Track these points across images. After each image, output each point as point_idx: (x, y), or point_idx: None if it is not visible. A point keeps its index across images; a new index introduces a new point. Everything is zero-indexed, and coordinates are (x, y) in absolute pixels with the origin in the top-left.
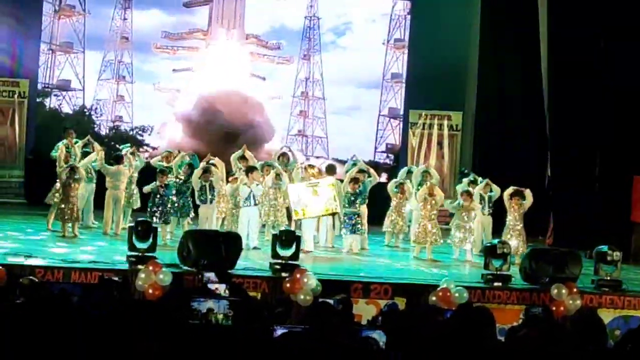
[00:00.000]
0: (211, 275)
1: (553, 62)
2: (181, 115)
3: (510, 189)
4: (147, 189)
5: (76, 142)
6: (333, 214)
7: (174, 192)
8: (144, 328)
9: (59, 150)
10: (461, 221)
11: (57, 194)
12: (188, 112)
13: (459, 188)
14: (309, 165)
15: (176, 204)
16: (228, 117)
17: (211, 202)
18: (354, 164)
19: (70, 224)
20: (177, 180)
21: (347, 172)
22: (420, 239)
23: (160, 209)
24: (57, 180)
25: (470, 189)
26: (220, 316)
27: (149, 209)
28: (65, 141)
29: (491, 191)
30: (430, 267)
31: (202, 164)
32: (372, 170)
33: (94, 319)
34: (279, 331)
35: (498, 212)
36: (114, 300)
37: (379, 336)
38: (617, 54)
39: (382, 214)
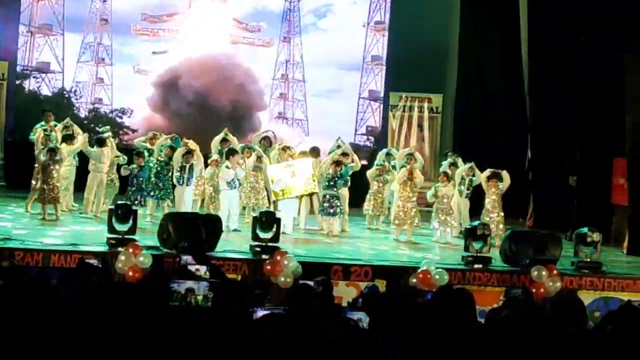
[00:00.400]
0: (189, 257)
1: (532, 47)
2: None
3: (488, 172)
4: (124, 171)
5: (55, 125)
6: (311, 194)
7: (153, 173)
8: (126, 311)
9: (37, 133)
10: (440, 204)
11: (37, 177)
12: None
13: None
14: (286, 147)
15: (156, 186)
16: (209, 90)
17: (188, 184)
18: (338, 146)
19: (51, 206)
20: (158, 161)
21: (330, 153)
22: (400, 221)
23: (137, 191)
24: (36, 164)
25: (449, 170)
26: (200, 297)
27: (127, 192)
28: (43, 124)
29: (473, 175)
30: (411, 249)
31: (185, 147)
32: (355, 157)
33: (74, 303)
34: (259, 312)
35: (475, 195)
36: (93, 283)
37: (363, 317)
38: (589, 47)
39: (363, 196)
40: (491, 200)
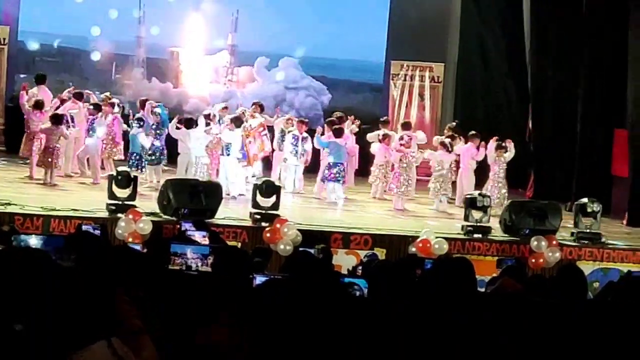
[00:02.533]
0: (189, 224)
1: (534, 16)
2: None
3: (494, 142)
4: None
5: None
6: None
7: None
8: (124, 273)
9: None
10: (436, 172)
11: (36, 143)
12: None
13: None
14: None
15: (149, 152)
16: None
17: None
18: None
19: (50, 171)
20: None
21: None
22: (396, 190)
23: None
24: (26, 131)
25: (446, 140)
26: (199, 262)
27: (127, 158)
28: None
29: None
30: (411, 218)
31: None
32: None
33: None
34: (259, 279)
35: (480, 165)
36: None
37: (362, 284)
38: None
39: (367, 166)
40: (496, 170)
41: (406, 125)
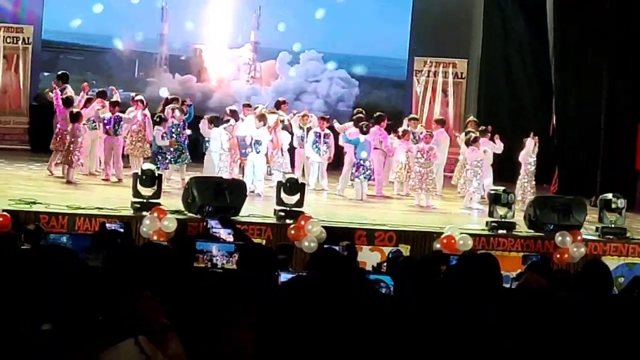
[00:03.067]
0: (215, 221)
1: (558, 11)
2: None
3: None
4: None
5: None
6: None
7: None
8: (151, 271)
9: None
10: (462, 168)
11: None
12: None
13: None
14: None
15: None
16: None
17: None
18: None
19: (73, 169)
20: (172, 125)
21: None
22: (416, 187)
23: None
24: (57, 126)
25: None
26: (224, 260)
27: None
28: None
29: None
30: (435, 214)
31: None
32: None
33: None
34: (284, 276)
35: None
36: (119, 248)
37: (388, 281)
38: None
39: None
40: (526, 166)
41: (440, 122)
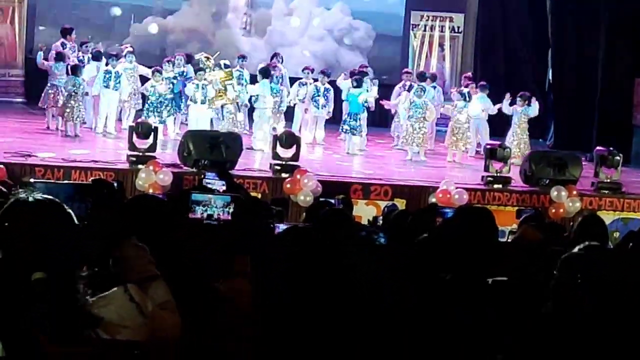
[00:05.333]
0: (213, 174)
1: None
2: None
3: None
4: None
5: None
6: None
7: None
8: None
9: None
10: (455, 123)
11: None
12: None
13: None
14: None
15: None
16: None
17: (202, 102)
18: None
19: (72, 123)
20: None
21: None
22: (409, 141)
23: (155, 108)
24: (51, 82)
25: (464, 90)
26: (220, 211)
27: (145, 109)
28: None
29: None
30: (430, 168)
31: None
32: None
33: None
34: (280, 227)
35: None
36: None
37: (382, 235)
38: None
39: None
40: (517, 121)
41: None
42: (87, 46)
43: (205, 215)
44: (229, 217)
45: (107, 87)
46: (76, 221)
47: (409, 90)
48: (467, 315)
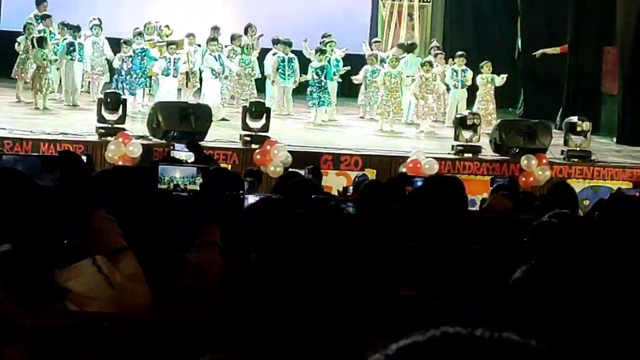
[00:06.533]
0: (181, 146)
1: None
2: None
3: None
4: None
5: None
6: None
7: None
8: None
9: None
10: (424, 92)
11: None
12: None
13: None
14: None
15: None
16: None
17: (174, 75)
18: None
19: (41, 96)
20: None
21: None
22: (383, 111)
23: (125, 80)
24: (19, 53)
25: (433, 59)
26: (187, 181)
27: (114, 81)
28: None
29: (466, 65)
30: (400, 138)
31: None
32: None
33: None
34: (251, 199)
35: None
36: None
37: (351, 205)
38: None
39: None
40: (482, 89)
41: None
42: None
43: (171, 186)
44: (197, 188)
45: (71, 59)
46: (44, 193)
47: (382, 61)
48: (446, 303)
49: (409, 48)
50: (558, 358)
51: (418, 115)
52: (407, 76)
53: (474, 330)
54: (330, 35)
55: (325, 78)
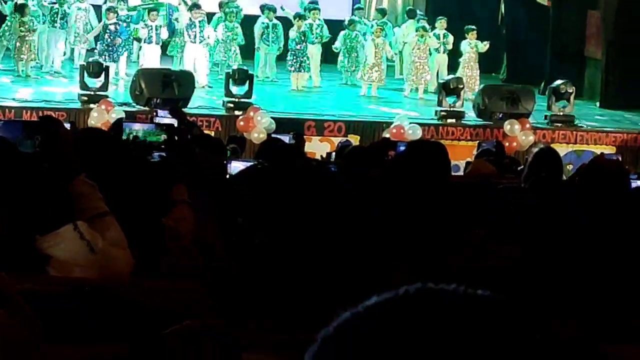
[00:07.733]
0: (165, 112)
1: None
2: None
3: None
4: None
5: None
6: None
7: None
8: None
9: None
10: (417, 58)
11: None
12: None
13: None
14: None
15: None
16: None
17: (157, 42)
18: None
19: (23, 63)
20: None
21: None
22: (367, 76)
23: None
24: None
25: (426, 24)
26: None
27: (98, 47)
28: None
29: (447, 30)
30: (383, 104)
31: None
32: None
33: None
34: (234, 164)
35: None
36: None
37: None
38: None
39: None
40: (466, 55)
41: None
42: None
43: (131, 137)
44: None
45: (53, 26)
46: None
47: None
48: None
49: (410, 14)
50: (529, 313)
51: (415, 81)
52: (405, 42)
53: (448, 286)
54: (316, 1)
55: (306, 42)
